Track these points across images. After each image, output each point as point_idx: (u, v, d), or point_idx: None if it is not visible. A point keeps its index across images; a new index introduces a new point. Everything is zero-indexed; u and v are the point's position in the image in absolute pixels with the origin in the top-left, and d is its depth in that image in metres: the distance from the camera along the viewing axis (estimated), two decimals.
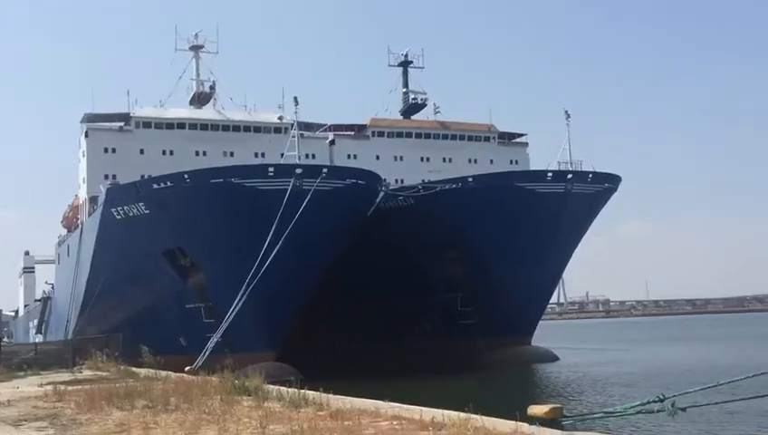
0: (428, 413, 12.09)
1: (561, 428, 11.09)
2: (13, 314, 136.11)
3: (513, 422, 11.12)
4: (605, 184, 56.36)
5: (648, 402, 11.41)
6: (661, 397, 11.29)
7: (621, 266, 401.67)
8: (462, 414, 11.47)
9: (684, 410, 11.10)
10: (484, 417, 11.32)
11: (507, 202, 52.59)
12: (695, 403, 12.32)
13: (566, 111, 56.58)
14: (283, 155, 50.81)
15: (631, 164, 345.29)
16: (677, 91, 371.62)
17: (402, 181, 63.56)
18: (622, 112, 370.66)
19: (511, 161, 71.00)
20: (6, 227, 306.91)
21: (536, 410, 11.77)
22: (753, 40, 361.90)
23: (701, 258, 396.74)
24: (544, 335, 63.25)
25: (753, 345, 67.36)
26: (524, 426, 11.05)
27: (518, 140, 74.63)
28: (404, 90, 74.42)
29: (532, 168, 65.05)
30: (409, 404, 14.87)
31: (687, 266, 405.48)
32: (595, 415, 12.00)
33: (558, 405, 11.78)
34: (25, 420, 15.51)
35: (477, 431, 10.49)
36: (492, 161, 69.75)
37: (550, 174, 54.21)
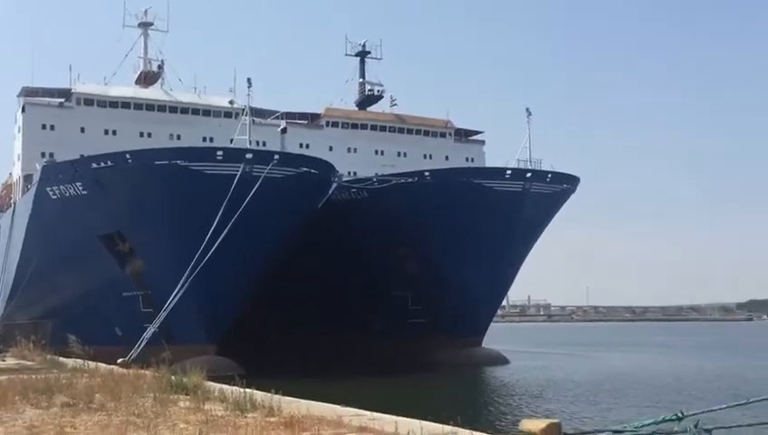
0: (404, 424, 10.09)
1: None
2: None
3: None
4: (564, 184, 55.07)
5: (664, 420, 9.68)
6: (680, 414, 9.58)
7: (563, 272, 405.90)
8: (446, 427, 9.57)
9: (710, 432, 9.36)
10: (473, 432, 9.42)
11: (464, 199, 50.95)
12: (718, 424, 10.60)
13: (527, 109, 55.19)
14: (232, 140, 48.56)
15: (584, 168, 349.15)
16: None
17: (355, 174, 61.44)
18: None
19: (467, 159, 69.59)
20: None
21: (531, 425, 9.99)
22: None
23: (642, 267, 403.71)
24: (491, 337, 61.73)
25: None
26: None
27: (475, 137, 73.44)
28: (360, 80, 72.41)
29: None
30: (367, 410, 12.98)
31: (627, 275, 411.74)
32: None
33: (555, 420, 10.05)
34: None
35: None
36: (447, 158, 68.25)
37: (509, 172, 52.67)
